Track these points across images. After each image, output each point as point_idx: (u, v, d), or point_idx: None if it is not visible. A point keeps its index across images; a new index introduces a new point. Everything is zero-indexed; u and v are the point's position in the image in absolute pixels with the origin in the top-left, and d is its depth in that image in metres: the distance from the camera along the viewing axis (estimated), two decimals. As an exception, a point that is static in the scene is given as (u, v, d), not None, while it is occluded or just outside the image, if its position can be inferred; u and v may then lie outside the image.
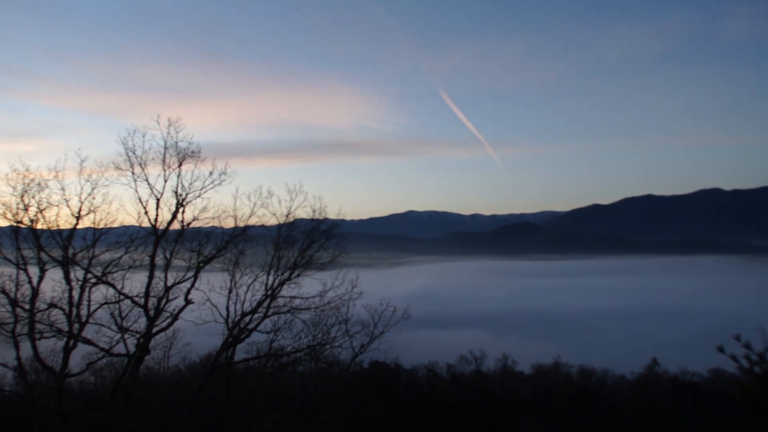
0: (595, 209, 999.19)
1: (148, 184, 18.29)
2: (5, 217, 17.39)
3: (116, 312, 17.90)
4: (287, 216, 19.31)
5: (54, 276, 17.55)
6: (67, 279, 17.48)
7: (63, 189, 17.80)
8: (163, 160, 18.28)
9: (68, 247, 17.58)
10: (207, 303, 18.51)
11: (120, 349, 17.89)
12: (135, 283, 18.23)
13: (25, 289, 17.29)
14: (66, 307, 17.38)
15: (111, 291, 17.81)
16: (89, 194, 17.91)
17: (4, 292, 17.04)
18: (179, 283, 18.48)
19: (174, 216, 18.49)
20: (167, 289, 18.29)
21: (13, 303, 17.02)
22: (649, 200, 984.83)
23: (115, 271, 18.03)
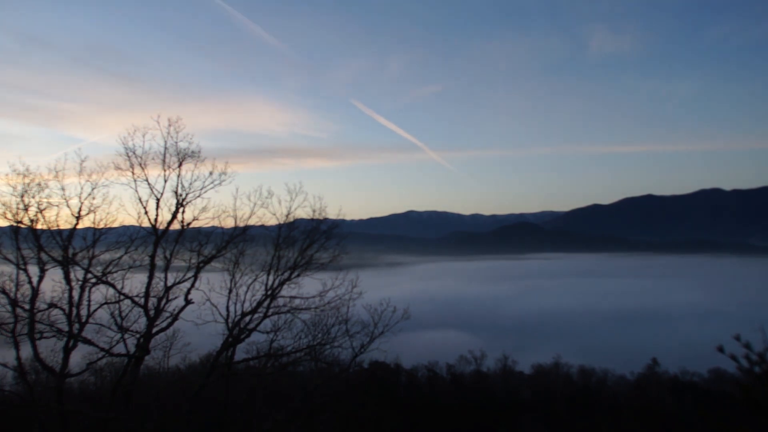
0: (595, 209, 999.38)
1: (148, 184, 18.31)
2: (5, 217, 17.42)
3: (116, 312, 17.90)
4: (287, 216, 19.32)
5: (54, 276, 17.56)
6: (67, 279, 17.48)
7: (63, 189, 17.84)
8: (163, 160, 18.31)
9: (68, 247, 17.59)
10: (207, 303, 18.50)
11: (120, 349, 17.90)
12: (135, 283, 18.24)
13: (25, 289, 17.30)
14: (66, 307, 17.38)
15: (111, 291, 17.81)
16: (89, 194, 17.95)
17: (4, 292, 17.04)
18: (179, 283, 18.48)
19: (174, 216, 18.49)
20: (167, 289, 18.29)
21: (13, 303, 17.03)
22: (649, 200, 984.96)
23: (115, 271, 18.04)
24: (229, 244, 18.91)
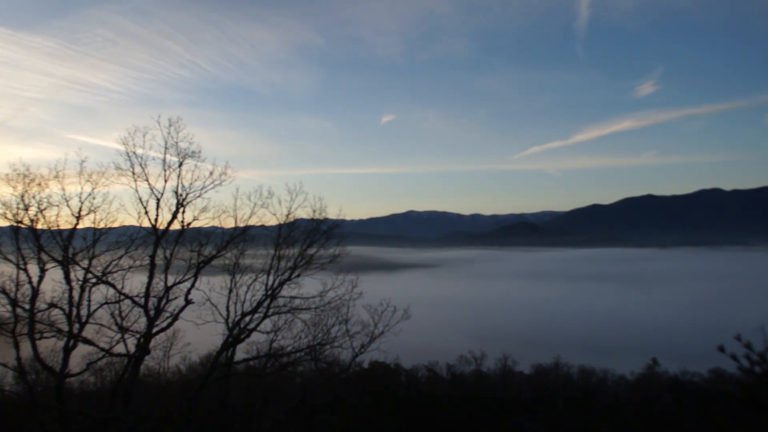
0: (594, 209, 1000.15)
1: (149, 184, 18.28)
2: (5, 217, 17.42)
3: (116, 312, 17.90)
4: (287, 216, 19.32)
5: (54, 276, 17.55)
6: (67, 279, 17.47)
7: (63, 189, 17.83)
8: (164, 161, 18.28)
9: (68, 247, 17.57)
10: (207, 303, 18.51)
11: (120, 349, 17.89)
12: (135, 283, 18.23)
13: (26, 289, 17.30)
14: (66, 307, 17.37)
15: (111, 291, 17.80)
16: (89, 194, 17.94)
17: (4, 292, 17.04)
18: (179, 283, 18.47)
19: (174, 216, 18.47)
20: (167, 289, 18.28)
21: (13, 303, 17.02)
22: (649, 200, 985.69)
23: (115, 271, 18.03)
24: (229, 244, 18.90)
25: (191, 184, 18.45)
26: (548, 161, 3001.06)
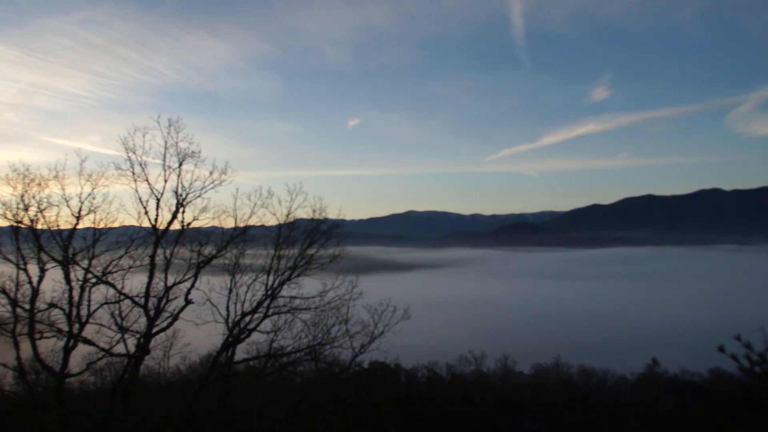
0: (594, 209, 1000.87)
1: (149, 184, 18.30)
2: (5, 217, 17.43)
3: (116, 312, 17.91)
4: (287, 216, 19.35)
5: (54, 276, 17.56)
6: (67, 279, 17.48)
7: (63, 189, 17.84)
8: (164, 161, 18.30)
9: (68, 247, 17.58)
10: (207, 303, 18.52)
11: (120, 349, 17.90)
12: (135, 283, 18.25)
13: (25, 289, 17.32)
14: (66, 307, 17.39)
15: (111, 291, 17.81)
16: (89, 194, 17.95)
17: (4, 292, 17.05)
18: (179, 283, 18.48)
19: (174, 216, 18.49)
20: (167, 289, 18.29)
21: (13, 303, 17.04)
22: (649, 200, 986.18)
23: (115, 271, 18.04)
24: (229, 244, 18.92)
25: (191, 184, 18.50)
26: (522, 163, 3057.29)
